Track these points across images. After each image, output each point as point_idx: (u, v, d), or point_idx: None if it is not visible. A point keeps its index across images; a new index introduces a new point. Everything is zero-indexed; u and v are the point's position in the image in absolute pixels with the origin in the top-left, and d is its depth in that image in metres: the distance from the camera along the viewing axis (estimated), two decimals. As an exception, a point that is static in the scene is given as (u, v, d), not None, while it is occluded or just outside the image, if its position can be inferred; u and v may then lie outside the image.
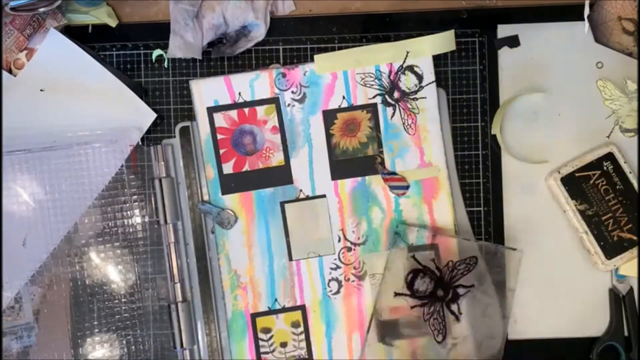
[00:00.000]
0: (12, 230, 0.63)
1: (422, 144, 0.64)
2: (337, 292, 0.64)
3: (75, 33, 0.65)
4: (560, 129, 0.65)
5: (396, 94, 0.64)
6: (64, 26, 0.65)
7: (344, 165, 0.64)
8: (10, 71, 0.64)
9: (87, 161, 0.64)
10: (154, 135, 0.66)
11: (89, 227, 0.64)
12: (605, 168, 0.64)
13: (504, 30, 0.66)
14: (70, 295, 0.64)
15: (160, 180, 0.63)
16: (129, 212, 0.64)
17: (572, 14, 0.66)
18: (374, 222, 0.64)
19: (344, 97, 0.64)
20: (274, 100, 0.64)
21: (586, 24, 0.65)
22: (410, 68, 0.64)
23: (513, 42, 0.66)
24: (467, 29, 0.66)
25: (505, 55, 0.66)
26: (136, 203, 0.64)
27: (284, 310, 0.64)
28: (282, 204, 0.64)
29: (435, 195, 0.64)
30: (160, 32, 0.65)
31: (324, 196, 0.64)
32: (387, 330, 0.63)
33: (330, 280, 0.64)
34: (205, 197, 0.64)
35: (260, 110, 0.64)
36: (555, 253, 0.65)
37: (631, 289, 0.64)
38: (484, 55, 0.66)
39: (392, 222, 0.64)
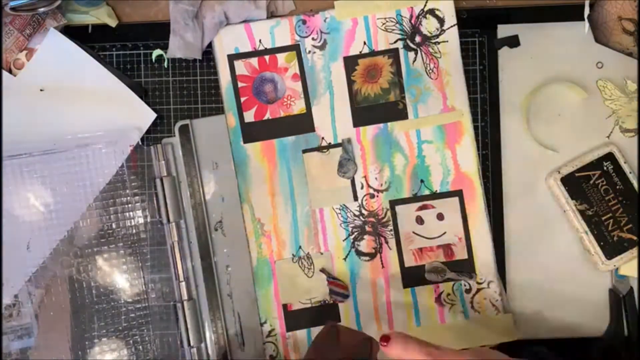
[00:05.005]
0: (17, 236, 0.63)
1: (444, 88, 0.63)
2: (361, 238, 0.64)
3: (75, 33, 0.65)
4: (560, 129, 0.65)
5: (418, 39, 0.63)
6: (64, 26, 0.65)
7: (366, 111, 0.64)
8: (10, 71, 0.64)
9: (87, 163, 0.64)
10: (154, 135, 0.66)
11: (90, 228, 0.64)
12: (605, 168, 0.64)
13: (504, 30, 0.66)
14: (71, 296, 0.64)
15: (161, 179, 0.63)
16: (131, 213, 0.64)
17: (572, 14, 0.66)
18: (396, 169, 0.64)
19: (365, 43, 0.63)
20: (295, 48, 0.64)
21: (586, 24, 0.65)
22: (432, 11, 0.63)
23: (513, 42, 0.66)
24: (467, 29, 0.66)
25: (505, 55, 0.66)
26: (138, 203, 0.64)
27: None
28: (305, 151, 0.64)
29: (459, 140, 0.63)
30: (160, 32, 0.65)
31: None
32: (411, 276, 0.63)
33: (353, 228, 0.63)
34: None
35: (281, 57, 0.64)
36: (555, 253, 0.65)
37: (631, 289, 0.64)
38: (484, 55, 0.66)
39: (415, 168, 0.63)
